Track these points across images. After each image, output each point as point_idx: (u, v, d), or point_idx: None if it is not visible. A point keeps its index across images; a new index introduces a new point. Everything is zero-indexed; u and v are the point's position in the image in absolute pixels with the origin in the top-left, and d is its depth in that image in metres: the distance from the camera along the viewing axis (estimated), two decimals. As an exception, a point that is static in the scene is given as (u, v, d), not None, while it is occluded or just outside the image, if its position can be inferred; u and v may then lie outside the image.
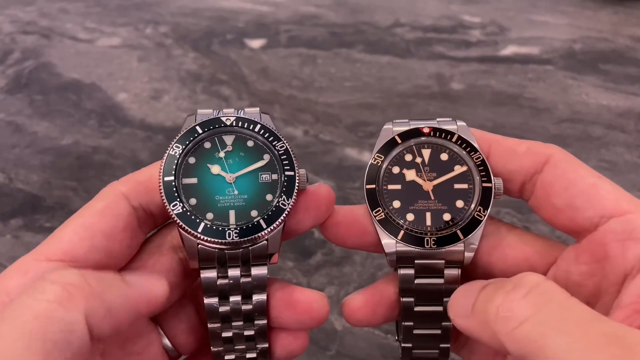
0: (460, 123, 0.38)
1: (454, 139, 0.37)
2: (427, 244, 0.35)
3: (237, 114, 0.36)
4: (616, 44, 0.99)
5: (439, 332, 0.36)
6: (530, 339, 0.26)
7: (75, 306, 0.27)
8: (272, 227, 0.33)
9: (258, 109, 0.37)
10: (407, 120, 0.38)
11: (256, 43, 1.01)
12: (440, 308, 0.36)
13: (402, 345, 0.37)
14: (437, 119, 0.38)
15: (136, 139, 0.82)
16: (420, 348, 0.37)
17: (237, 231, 0.33)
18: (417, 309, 0.36)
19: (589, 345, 0.24)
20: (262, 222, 0.34)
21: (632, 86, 0.90)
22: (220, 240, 0.33)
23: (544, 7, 1.10)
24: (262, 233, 0.33)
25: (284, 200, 0.34)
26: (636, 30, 1.03)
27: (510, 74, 0.93)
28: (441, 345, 0.37)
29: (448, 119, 0.38)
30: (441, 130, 0.37)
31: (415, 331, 0.37)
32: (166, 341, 0.36)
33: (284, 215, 0.34)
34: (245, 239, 0.33)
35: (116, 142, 0.81)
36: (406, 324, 0.36)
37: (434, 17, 1.07)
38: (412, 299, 0.36)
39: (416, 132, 0.38)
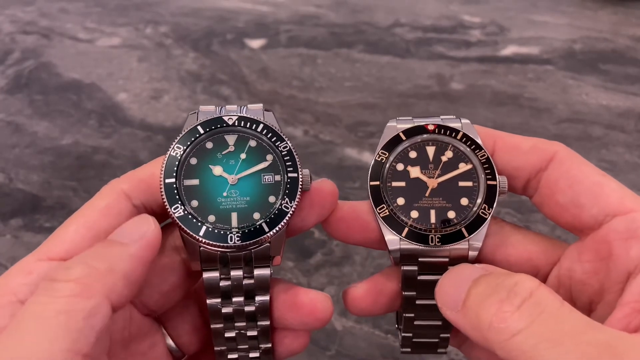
0: (465, 121, 0.38)
1: (458, 137, 0.37)
2: (432, 242, 0.35)
3: (240, 110, 0.36)
4: (616, 44, 0.99)
5: (439, 323, 0.37)
6: (523, 350, 0.26)
7: (97, 293, 0.27)
8: (274, 231, 0.33)
9: (261, 105, 0.37)
10: (410, 118, 0.38)
11: (256, 43, 1.01)
12: None
13: (402, 334, 0.38)
14: (441, 117, 0.38)
15: (136, 139, 0.82)
16: (421, 337, 0.38)
17: (239, 235, 0.33)
18: (419, 302, 0.36)
19: (580, 357, 0.25)
20: (264, 225, 0.33)
21: (632, 86, 0.90)
22: (222, 244, 0.33)
23: (544, 7, 1.10)
24: (265, 237, 0.33)
25: (286, 203, 0.34)
26: (636, 30, 1.03)
27: (510, 74, 0.93)
28: (441, 335, 0.37)
29: (452, 116, 0.38)
30: (446, 128, 0.37)
31: (417, 322, 0.37)
32: (170, 341, 0.36)
33: (287, 218, 0.33)
34: (248, 242, 0.33)
35: (116, 142, 0.81)
36: (407, 315, 0.37)
37: (434, 17, 1.07)
38: (414, 293, 0.36)
39: (421, 129, 0.37)
